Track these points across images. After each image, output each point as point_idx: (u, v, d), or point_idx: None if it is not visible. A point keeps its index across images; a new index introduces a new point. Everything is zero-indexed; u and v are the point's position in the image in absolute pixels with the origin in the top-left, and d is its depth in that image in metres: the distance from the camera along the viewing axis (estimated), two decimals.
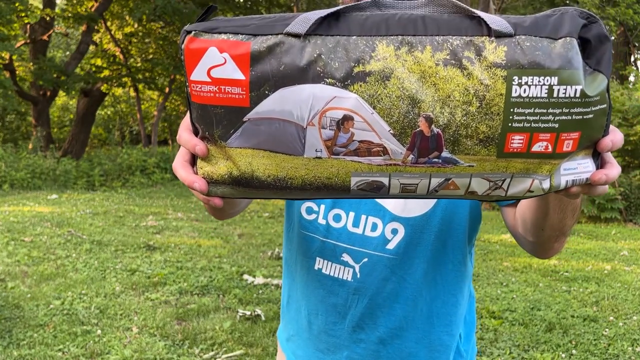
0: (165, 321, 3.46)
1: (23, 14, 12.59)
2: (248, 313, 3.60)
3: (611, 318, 3.87)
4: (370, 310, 0.97)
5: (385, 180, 0.63)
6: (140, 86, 16.31)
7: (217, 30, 0.60)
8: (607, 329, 3.64)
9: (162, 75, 16.46)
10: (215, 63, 0.59)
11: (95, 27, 14.45)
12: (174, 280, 4.34)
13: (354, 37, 0.59)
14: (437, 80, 0.58)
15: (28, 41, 13.69)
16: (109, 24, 15.25)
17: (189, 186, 0.65)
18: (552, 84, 0.56)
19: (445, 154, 0.60)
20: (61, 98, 20.11)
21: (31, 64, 13.33)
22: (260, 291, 4.20)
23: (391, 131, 0.59)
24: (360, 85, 0.58)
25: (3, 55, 11.83)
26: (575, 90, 0.56)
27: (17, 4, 11.46)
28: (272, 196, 0.67)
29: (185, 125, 0.66)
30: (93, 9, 13.54)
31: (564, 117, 0.57)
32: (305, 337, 1.05)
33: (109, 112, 22.33)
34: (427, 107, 0.58)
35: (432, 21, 0.59)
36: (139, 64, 16.00)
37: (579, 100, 0.57)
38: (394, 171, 0.62)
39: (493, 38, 0.57)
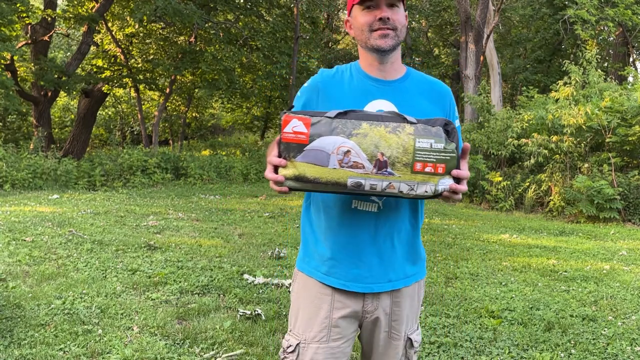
0: (166, 320, 3.48)
1: (24, 15, 12.62)
2: (248, 312, 3.62)
3: (610, 317, 3.89)
4: (390, 230, 1.59)
5: (362, 181, 1.38)
6: (141, 87, 16.31)
7: (297, 113, 1.42)
8: (605, 329, 3.65)
9: (163, 75, 16.47)
10: (295, 125, 1.40)
11: (96, 28, 14.46)
12: (174, 280, 4.36)
13: (352, 120, 1.40)
14: (386, 138, 1.38)
15: (29, 42, 13.71)
16: (109, 24, 15.26)
17: (273, 180, 1.40)
18: (431, 142, 1.39)
19: (389, 169, 1.37)
20: (62, 98, 20.15)
21: (32, 64, 13.35)
22: (261, 291, 4.22)
23: (367, 158, 1.37)
24: (355, 138, 1.38)
25: (4, 55, 11.84)
26: (440, 145, 1.39)
27: (18, 5, 11.49)
28: (311, 189, 1.42)
29: (272, 153, 1.44)
30: (94, 10, 13.56)
31: (437, 157, 1.38)
32: (341, 257, 1.59)
33: (110, 113, 22.36)
34: (382, 148, 1.37)
35: (385, 117, 1.42)
36: (139, 65, 15.99)
37: (442, 149, 1.39)
38: (367, 177, 1.38)
39: (409, 124, 1.40)
